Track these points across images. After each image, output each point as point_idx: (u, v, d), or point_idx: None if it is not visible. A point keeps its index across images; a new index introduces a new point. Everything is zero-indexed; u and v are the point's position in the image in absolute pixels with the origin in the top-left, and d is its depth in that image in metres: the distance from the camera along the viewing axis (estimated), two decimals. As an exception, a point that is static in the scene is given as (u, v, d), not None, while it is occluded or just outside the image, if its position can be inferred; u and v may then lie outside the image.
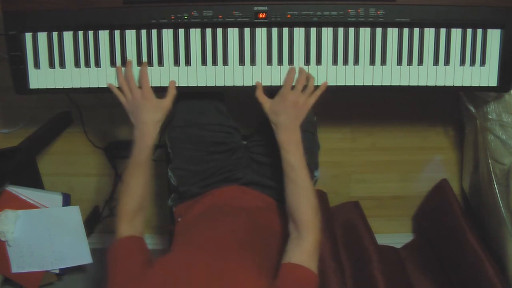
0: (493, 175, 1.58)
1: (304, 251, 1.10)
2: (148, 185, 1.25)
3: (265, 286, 1.01)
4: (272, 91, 1.27)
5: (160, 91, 1.32)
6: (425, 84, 1.33)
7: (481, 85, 1.33)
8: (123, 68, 1.32)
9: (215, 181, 1.39)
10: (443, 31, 1.31)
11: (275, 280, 1.05)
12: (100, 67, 1.33)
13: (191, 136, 1.38)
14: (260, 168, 1.41)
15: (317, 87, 1.26)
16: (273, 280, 1.05)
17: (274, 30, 1.31)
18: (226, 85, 1.33)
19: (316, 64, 1.31)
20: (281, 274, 1.06)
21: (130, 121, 1.28)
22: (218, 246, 1.10)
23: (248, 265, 1.05)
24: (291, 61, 1.31)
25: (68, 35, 1.33)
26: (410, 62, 1.32)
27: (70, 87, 1.35)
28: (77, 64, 1.33)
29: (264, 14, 1.27)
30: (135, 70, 1.32)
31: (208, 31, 1.31)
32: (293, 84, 1.26)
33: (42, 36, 1.33)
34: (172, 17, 1.28)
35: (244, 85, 1.33)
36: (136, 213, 1.21)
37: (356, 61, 1.31)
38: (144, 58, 1.32)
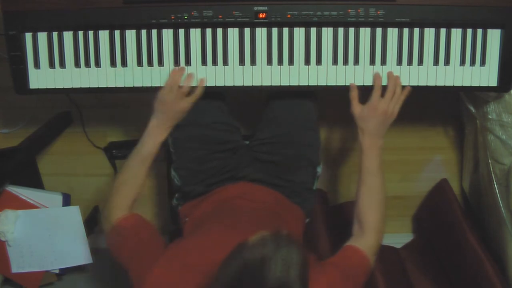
0: (493, 175, 1.58)
1: (365, 243, 1.16)
2: (146, 180, 1.27)
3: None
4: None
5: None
6: (425, 84, 1.33)
7: (481, 85, 1.33)
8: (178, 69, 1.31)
9: (218, 180, 1.39)
10: (443, 31, 1.31)
11: (333, 256, 1.10)
12: (100, 67, 1.33)
13: (193, 135, 1.38)
14: (264, 166, 1.41)
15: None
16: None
17: (274, 30, 1.31)
18: (226, 85, 1.33)
19: (316, 64, 1.31)
20: (339, 252, 1.12)
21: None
22: (242, 235, 1.10)
23: None
24: (291, 61, 1.31)
25: (68, 35, 1.33)
26: (410, 62, 1.32)
27: (70, 87, 1.35)
28: (77, 64, 1.33)
29: (264, 14, 1.27)
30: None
31: (208, 31, 1.31)
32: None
33: (42, 36, 1.33)
34: (172, 17, 1.28)
35: (244, 85, 1.33)
36: (131, 206, 1.23)
37: (356, 61, 1.31)
38: (144, 58, 1.32)
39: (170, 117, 1.27)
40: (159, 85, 1.32)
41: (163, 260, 1.03)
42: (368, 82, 1.32)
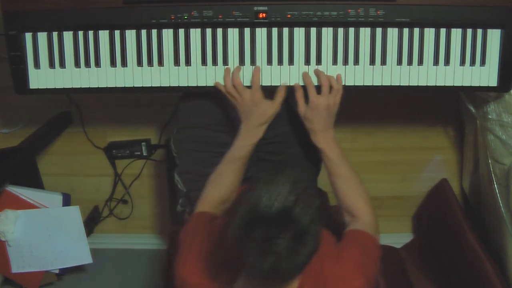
0: (493, 175, 1.58)
1: (364, 225, 1.16)
2: (240, 181, 1.27)
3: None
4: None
5: (160, 91, 1.32)
6: (425, 84, 1.33)
7: (481, 85, 1.33)
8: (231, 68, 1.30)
9: None
10: (443, 31, 1.31)
11: (339, 242, 1.09)
12: (100, 67, 1.33)
13: (196, 137, 1.38)
14: (267, 166, 1.41)
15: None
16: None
17: (274, 30, 1.31)
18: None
19: (316, 64, 1.31)
20: (345, 239, 1.11)
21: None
22: None
23: None
24: (291, 61, 1.31)
25: (68, 35, 1.33)
26: (410, 62, 1.32)
27: (70, 87, 1.35)
28: (77, 64, 1.33)
29: (264, 14, 1.27)
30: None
31: (208, 31, 1.31)
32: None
33: (42, 36, 1.33)
34: (172, 17, 1.28)
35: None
36: (220, 205, 1.22)
37: (356, 61, 1.31)
38: (144, 58, 1.32)
39: (251, 116, 1.26)
40: (159, 85, 1.32)
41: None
42: (368, 82, 1.32)
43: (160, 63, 1.32)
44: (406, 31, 1.31)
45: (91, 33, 1.32)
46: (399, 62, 1.32)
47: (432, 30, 1.30)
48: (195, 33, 1.31)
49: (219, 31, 1.31)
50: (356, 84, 1.32)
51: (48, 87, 1.35)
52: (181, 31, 1.31)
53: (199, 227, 1.13)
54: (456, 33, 1.31)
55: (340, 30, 1.30)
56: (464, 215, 1.71)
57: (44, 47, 1.33)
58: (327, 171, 1.25)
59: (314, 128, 1.24)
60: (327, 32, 1.31)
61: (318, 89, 1.26)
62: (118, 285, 1.92)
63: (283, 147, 1.40)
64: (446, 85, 1.33)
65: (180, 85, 1.33)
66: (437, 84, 1.33)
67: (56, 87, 1.35)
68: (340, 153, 1.24)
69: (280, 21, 1.28)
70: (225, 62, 1.32)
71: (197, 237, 1.09)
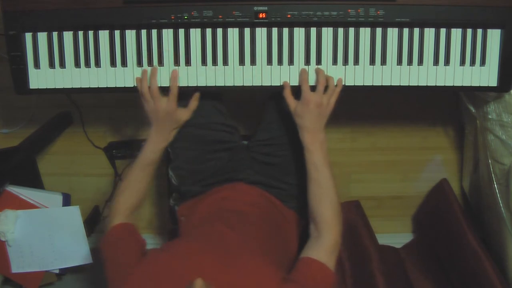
0: (493, 175, 1.58)
1: (322, 248, 1.12)
2: (150, 186, 1.28)
3: (279, 277, 1.02)
4: (297, 91, 1.27)
5: (160, 91, 1.32)
6: (425, 84, 1.33)
7: (481, 85, 1.33)
8: (148, 70, 1.29)
9: (216, 181, 1.39)
10: (443, 31, 1.31)
11: (291, 272, 1.06)
12: (100, 67, 1.33)
13: (190, 135, 1.38)
14: (263, 168, 1.40)
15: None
16: (287, 273, 1.06)
17: (274, 30, 1.31)
18: (226, 85, 1.33)
19: (316, 64, 1.31)
20: (298, 267, 1.08)
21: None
22: (228, 244, 1.10)
23: (259, 259, 1.06)
24: (291, 61, 1.31)
25: (68, 35, 1.33)
26: (410, 62, 1.32)
27: (70, 87, 1.35)
28: (77, 64, 1.33)
29: (264, 14, 1.27)
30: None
31: (208, 31, 1.31)
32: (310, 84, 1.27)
33: (42, 36, 1.33)
34: (172, 17, 1.28)
35: (244, 85, 1.33)
36: (132, 212, 1.24)
37: (356, 61, 1.31)
38: (144, 58, 1.32)
39: (162, 123, 1.27)
40: (159, 85, 1.32)
41: (138, 272, 1.02)
42: (368, 82, 1.32)
43: (160, 63, 1.32)
44: (406, 31, 1.31)
45: (91, 33, 1.32)
46: (399, 62, 1.32)
47: (432, 30, 1.30)
48: (195, 33, 1.31)
49: (219, 31, 1.31)
50: (356, 84, 1.32)
51: (48, 87, 1.35)
52: (181, 31, 1.31)
53: (123, 239, 1.14)
54: (456, 33, 1.31)
55: (340, 30, 1.30)
56: (464, 215, 1.71)
57: (44, 47, 1.33)
58: (307, 172, 1.22)
59: (303, 125, 1.23)
60: (327, 32, 1.31)
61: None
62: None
63: (278, 149, 1.40)
64: (446, 85, 1.33)
65: (180, 85, 1.32)
66: (437, 84, 1.33)
67: (56, 87, 1.35)
68: (323, 158, 1.20)
69: (280, 21, 1.28)
70: (225, 62, 1.32)
71: (121, 251, 1.10)
